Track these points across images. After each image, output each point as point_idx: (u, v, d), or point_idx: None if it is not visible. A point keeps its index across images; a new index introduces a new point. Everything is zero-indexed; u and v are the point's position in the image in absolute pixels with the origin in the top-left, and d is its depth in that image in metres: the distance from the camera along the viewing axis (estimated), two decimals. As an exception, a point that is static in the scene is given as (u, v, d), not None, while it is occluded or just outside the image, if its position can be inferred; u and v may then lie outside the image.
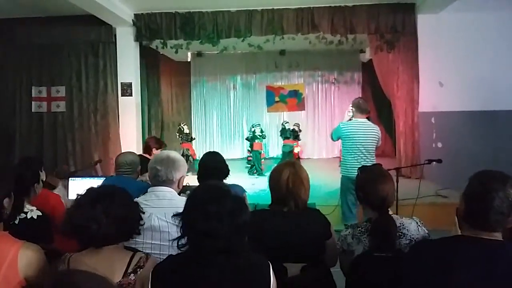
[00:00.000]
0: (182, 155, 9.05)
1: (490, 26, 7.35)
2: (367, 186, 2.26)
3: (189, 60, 12.96)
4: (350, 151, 5.15)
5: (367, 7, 7.89)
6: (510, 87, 7.00)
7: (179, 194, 2.50)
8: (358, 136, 5.11)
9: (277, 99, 13.38)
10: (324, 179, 7.92)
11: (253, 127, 10.55)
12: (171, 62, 12.06)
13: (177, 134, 10.70)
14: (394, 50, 8.40)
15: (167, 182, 2.50)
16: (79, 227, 1.76)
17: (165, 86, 12.47)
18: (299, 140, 10.43)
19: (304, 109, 13.37)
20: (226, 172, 3.16)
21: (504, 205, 1.61)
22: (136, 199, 2.17)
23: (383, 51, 8.55)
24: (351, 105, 5.30)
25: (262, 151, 10.26)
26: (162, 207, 2.34)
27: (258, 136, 10.37)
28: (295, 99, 13.54)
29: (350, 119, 5.33)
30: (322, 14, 7.98)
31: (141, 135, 9.22)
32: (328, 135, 10.95)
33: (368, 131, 5.14)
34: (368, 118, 5.22)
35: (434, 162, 5.01)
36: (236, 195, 1.72)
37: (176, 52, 8.84)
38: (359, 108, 5.25)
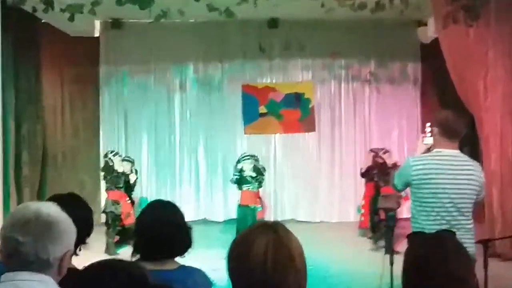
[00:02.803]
0: (107, 215, 8.90)
1: None
2: (429, 269, 1.97)
3: (97, 34, 11.63)
4: (428, 208, 4.29)
5: None
6: None
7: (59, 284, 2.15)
8: (444, 182, 4.24)
9: (263, 109, 11.75)
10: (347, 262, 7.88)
11: (239, 162, 9.60)
12: (63, 38, 10.85)
13: (102, 173, 9.50)
14: (477, 21, 7.55)
15: (37, 265, 2.05)
16: None
17: (50, 84, 11.15)
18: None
19: (313, 129, 11.72)
20: (185, 242, 2.73)
21: None
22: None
23: (458, 23, 7.51)
24: (428, 124, 4.47)
25: (259, 206, 9.41)
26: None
27: (250, 179, 9.29)
28: (296, 111, 11.68)
29: (427, 150, 4.43)
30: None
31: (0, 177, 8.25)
32: (356, 176, 10.46)
33: (462, 172, 4.29)
34: (461, 148, 4.44)
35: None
36: None
37: (72, 18, 7.80)
38: (449, 130, 4.31)
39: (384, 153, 9.90)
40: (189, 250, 2.75)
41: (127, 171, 9.54)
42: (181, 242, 2.72)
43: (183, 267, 2.65)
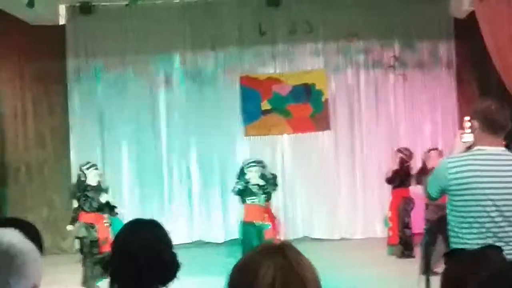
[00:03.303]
0: (80, 241, 8.88)
1: None
2: None
3: (62, 22, 11.45)
4: (470, 218, 4.20)
5: None
6: None
7: None
8: (488, 187, 4.16)
9: (266, 106, 11.66)
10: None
11: (243, 170, 9.33)
12: (22, 28, 10.78)
13: (73, 191, 9.39)
14: None
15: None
16: None
17: (8, 84, 11.10)
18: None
19: (328, 127, 11.63)
20: (169, 269, 2.72)
21: None
22: None
23: None
24: (468, 118, 4.32)
25: (268, 224, 9.18)
26: None
27: (256, 190, 9.06)
28: (307, 106, 11.58)
29: (468, 149, 4.32)
30: None
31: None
32: (382, 183, 10.25)
33: (510, 174, 4.22)
34: (507, 146, 4.41)
35: None
36: None
37: (31, 4, 7.68)
38: (492, 123, 4.21)
39: (408, 154, 9.82)
40: (174, 278, 2.71)
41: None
42: (164, 269, 2.69)
43: None
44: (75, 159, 11.32)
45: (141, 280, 2.62)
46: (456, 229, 4.34)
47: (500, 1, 7.78)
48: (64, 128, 11.53)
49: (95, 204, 9.07)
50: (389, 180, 9.69)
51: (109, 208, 9.45)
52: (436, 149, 9.45)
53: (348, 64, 11.66)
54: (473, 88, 11.13)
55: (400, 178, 9.50)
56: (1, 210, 10.48)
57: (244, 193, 9.38)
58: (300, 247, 1.65)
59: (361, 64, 11.65)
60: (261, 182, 9.37)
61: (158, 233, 2.78)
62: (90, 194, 9.18)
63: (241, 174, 9.57)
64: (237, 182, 9.60)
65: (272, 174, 9.70)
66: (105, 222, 9.15)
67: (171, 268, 2.70)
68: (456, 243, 4.35)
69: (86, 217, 8.99)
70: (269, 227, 9.36)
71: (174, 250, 2.77)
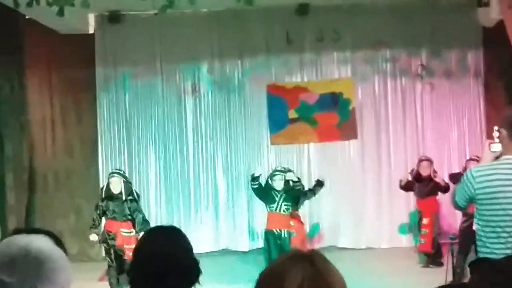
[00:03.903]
0: (106, 248, 8.96)
1: None
2: None
3: (91, 31, 11.57)
4: (498, 228, 4.20)
5: None
6: None
7: None
8: None
9: (293, 114, 11.65)
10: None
11: (272, 176, 9.32)
12: (52, 37, 10.81)
13: (101, 202, 9.10)
14: None
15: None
16: None
17: (37, 92, 11.05)
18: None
19: (355, 136, 11.64)
20: (191, 272, 2.70)
21: None
22: None
23: None
24: (496, 128, 4.30)
25: (292, 232, 9.15)
26: None
27: (280, 194, 9.00)
28: (333, 114, 11.60)
29: (496, 159, 4.30)
30: None
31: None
32: (406, 194, 10.69)
33: None
34: None
35: None
36: None
37: (61, 13, 7.61)
38: None
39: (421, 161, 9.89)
40: (196, 284, 2.71)
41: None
42: (184, 274, 2.67)
43: None
44: (103, 167, 11.43)
45: (160, 286, 2.62)
46: (483, 239, 4.33)
47: (528, 10, 7.63)
48: (93, 136, 11.63)
49: (109, 212, 9.06)
50: (404, 187, 9.77)
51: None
52: (476, 158, 9.31)
53: (375, 73, 11.65)
54: (501, 97, 11.07)
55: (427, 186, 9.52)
56: (29, 217, 10.49)
57: (263, 194, 9.31)
58: (326, 256, 1.64)
59: (388, 73, 11.63)
60: (279, 187, 9.24)
61: (177, 239, 2.79)
62: (103, 202, 9.12)
63: (266, 184, 9.50)
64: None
65: (298, 178, 9.59)
66: (123, 231, 9.04)
67: (191, 273, 2.70)
68: (484, 253, 4.34)
69: (108, 225, 9.05)
70: (295, 235, 9.26)
71: (195, 256, 2.78)
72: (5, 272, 1.93)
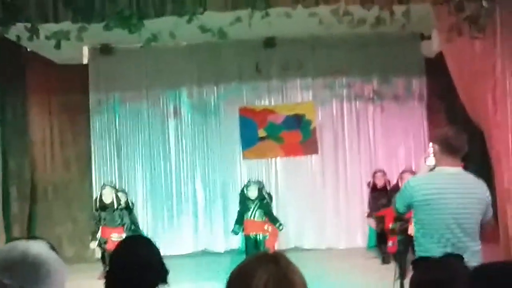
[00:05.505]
0: (102, 254, 9.40)
1: None
2: None
3: (85, 61, 11.94)
4: (432, 230, 4.38)
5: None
6: None
7: None
8: (446, 202, 4.34)
9: (262, 133, 12.12)
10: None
11: (247, 187, 9.68)
12: (50, 66, 11.07)
13: (95, 211, 9.61)
14: (484, 32, 7.58)
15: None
16: None
17: (38, 115, 11.41)
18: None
19: (316, 151, 12.15)
20: (157, 273, 2.76)
21: None
22: None
23: (463, 35, 7.63)
24: (431, 144, 4.58)
25: (266, 235, 9.51)
26: None
27: (254, 202, 9.38)
28: (297, 133, 12.12)
29: (431, 170, 4.56)
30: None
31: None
32: (363, 199, 11.11)
33: (465, 191, 4.40)
34: (464, 166, 4.57)
35: None
36: None
37: (58, 46, 7.85)
38: (449, 147, 4.43)
39: (376, 173, 10.21)
40: (165, 283, 2.77)
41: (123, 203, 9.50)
42: (153, 275, 2.72)
43: None
44: (96, 180, 11.66)
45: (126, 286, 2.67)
46: (420, 240, 4.48)
47: (464, 43, 7.72)
48: (87, 153, 11.78)
49: (102, 220, 9.32)
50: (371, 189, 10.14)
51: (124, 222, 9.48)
52: (410, 171, 9.23)
53: (334, 97, 11.94)
54: (442, 118, 11.33)
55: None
56: (31, 225, 10.56)
57: (243, 206, 9.50)
58: (291, 256, 1.72)
59: (345, 97, 11.94)
60: (253, 196, 9.37)
61: (148, 249, 2.83)
62: (97, 212, 9.38)
63: (241, 193, 9.78)
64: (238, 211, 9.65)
65: (268, 193, 9.93)
66: (113, 236, 9.16)
67: (158, 274, 2.76)
68: (421, 252, 4.48)
69: (102, 231, 9.35)
70: (267, 237, 9.48)
71: (162, 259, 2.83)
72: (5, 275, 1.92)
